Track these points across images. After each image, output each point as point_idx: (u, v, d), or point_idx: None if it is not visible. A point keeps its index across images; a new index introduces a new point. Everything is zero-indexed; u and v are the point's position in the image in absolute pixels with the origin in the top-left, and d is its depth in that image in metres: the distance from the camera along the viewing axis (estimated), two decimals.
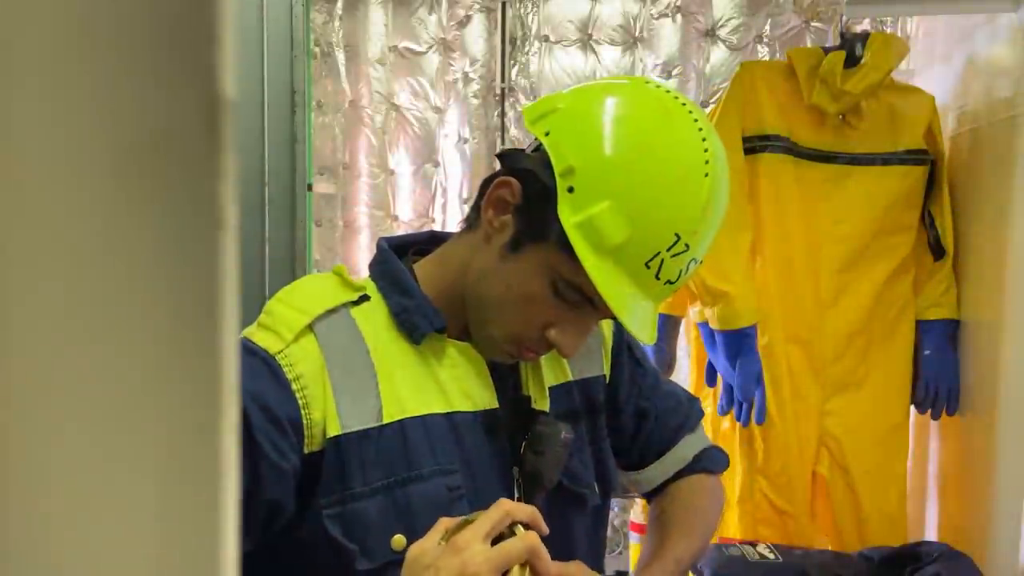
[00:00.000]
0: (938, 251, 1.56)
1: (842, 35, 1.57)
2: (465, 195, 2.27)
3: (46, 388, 0.19)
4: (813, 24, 2.05)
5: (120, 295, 0.19)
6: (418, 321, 0.74)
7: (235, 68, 0.18)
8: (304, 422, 0.68)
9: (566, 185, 0.68)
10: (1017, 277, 1.32)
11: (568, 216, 0.68)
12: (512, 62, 2.24)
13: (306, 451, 0.68)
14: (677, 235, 0.67)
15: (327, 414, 0.69)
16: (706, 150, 0.69)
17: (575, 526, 0.82)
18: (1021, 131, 1.31)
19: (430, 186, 2.09)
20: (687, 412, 0.93)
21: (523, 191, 0.71)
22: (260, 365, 0.68)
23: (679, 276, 0.70)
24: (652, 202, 0.67)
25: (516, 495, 0.76)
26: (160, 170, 0.18)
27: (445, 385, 0.74)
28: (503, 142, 2.25)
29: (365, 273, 0.80)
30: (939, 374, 1.54)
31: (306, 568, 0.71)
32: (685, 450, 0.92)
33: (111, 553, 0.20)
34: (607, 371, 0.88)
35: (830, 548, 1.54)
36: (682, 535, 0.86)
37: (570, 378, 0.84)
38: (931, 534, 1.61)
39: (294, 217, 1.91)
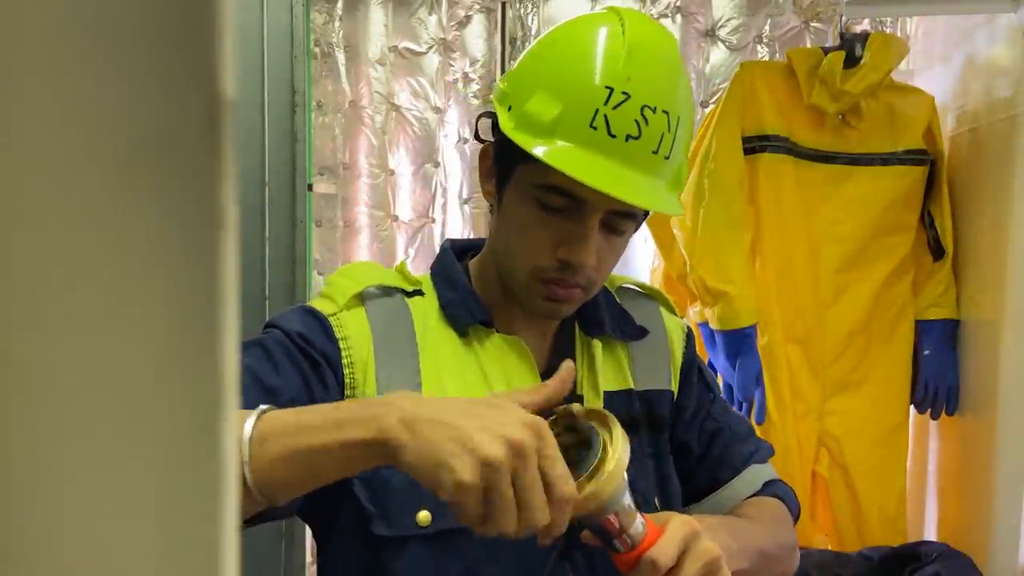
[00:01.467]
0: (938, 251, 1.56)
1: (842, 35, 1.57)
2: (465, 195, 2.27)
3: (46, 388, 0.19)
4: (813, 24, 2.05)
5: (120, 295, 0.19)
6: (462, 312, 0.76)
7: (235, 68, 0.18)
8: (346, 375, 0.71)
9: (505, 107, 0.73)
10: (1017, 277, 1.32)
11: (508, 124, 0.71)
12: (512, 62, 2.24)
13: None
14: (609, 88, 0.67)
15: (367, 378, 0.71)
16: (620, 17, 0.70)
17: None
18: (1021, 131, 1.31)
19: (430, 186, 2.09)
20: (757, 444, 0.89)
21: (493, 149, 0.76)
22: (313, 320, 0.72)
23: (639, 128, 0.67)
24: (569, 68, 0.69)
25: None
26: (160, 170, 0.18)
27: (490, 376, 0.74)
28: None
29: None
30: (939, 374, 1.54)
31: (331, 531, 0.72)
32: (754, 476, 0.86)
33: (111, 553, 0.20)
34: (675, 388, 0.85)
35: (830, 548, 1.54)
36: (744, 525, 0.78)
37: (631, 387, 0.81)
38: (931, 534, 1.61)
39: (294, 217, 1.91)
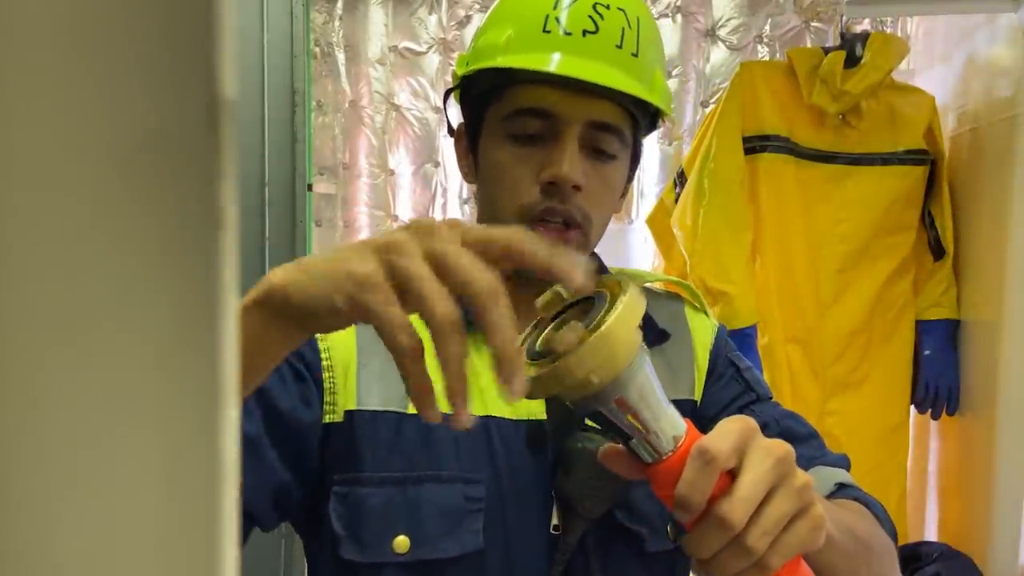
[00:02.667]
0: (938, 251, 1.56)
1: (842, 35, 1.57)
2: (465, 195, 2.27)
3: (45, 388, 0.19)
4: (813, 24, 2.05)
5: (120, 295, 0.19)
6: None
7: (235, 68, 0.18)
8: (325, 382, 0.65)
9: (462, 65, 0.71)
10: (1017, 277, 1.32)
11: (462, 69, 0.70)
12: None
13: (325, 419, 0.65)
14: None
15: (347, 386, 0.65)
16: None
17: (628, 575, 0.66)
18: (1021, 131, 1.31)
19: (430, 186, 2.09)
20: (822, 448, 0.76)
21: (463, 125, 0.74)
22: None
23: (595, 23, 0.65)
24: None
25: (555, 523, 0.64)
26: (160, 170, 0.18)
27: (486, 389, 0.67)
28: None
29: None
30: (939, 374, 1.54)
31: (312, 553, 0.67)
32: (824, 477, 0.71)
33: (110, 553, 0.20)
34: (698, 396, 0.74)
35: None
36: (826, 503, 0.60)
37: None
38: (931, 534, 1.61)
39: (294, 217, 1.91)
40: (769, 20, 2.08)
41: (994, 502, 1.35)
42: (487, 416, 0.66)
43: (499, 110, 0.68)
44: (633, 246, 2.20)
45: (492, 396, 0.66)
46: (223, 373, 0.19)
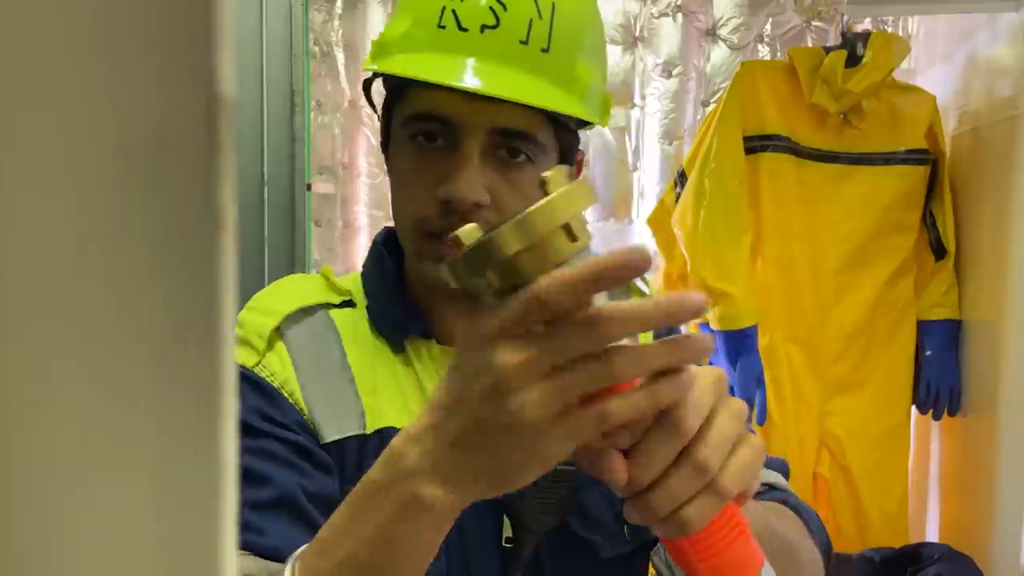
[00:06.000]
0: (939, 251, 1.56)
1: (843, 34, 1.57)
2: None
3: (45, 388, 0.19)
4: (814, 23, 2.05)
5: (119, 295, 0.19)
6: (393, 324, 0.65)
7: (234, 68, 0.18)
8: (308, 421, 0.61)
9: (370, 57, 0.65)
10: (1018, 277, 1.32)
11: (367, 64, 0.64)
12: None
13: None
14: None
15: (309, 423, 0.61)
16: None
17: None
18: (1022, 131, 1.31)
19: None
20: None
21: (381, 114, 0.68)
22: (243, 384, 0.60)
23: (495, 16, 0.58)
24: None
25: (507, 536, 0.62)
26: (160, 170, 0.18)
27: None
28: None
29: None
30: (940, 374, 1.54)
31: None
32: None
33: (110, 553, 0.20)
34: None
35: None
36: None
37: None
38: (932, 535, 1.60)
39: (294, 217, 1.91)
40: (770, 19, 2.08)
41: (996, 503, 1.35)
42: None
43: (401, 113, 0.62)
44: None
45: None
46: (222, 373, 0.19)
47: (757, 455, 0.41)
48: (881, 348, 1.57)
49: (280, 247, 1.90)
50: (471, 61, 0.58)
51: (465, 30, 0.58)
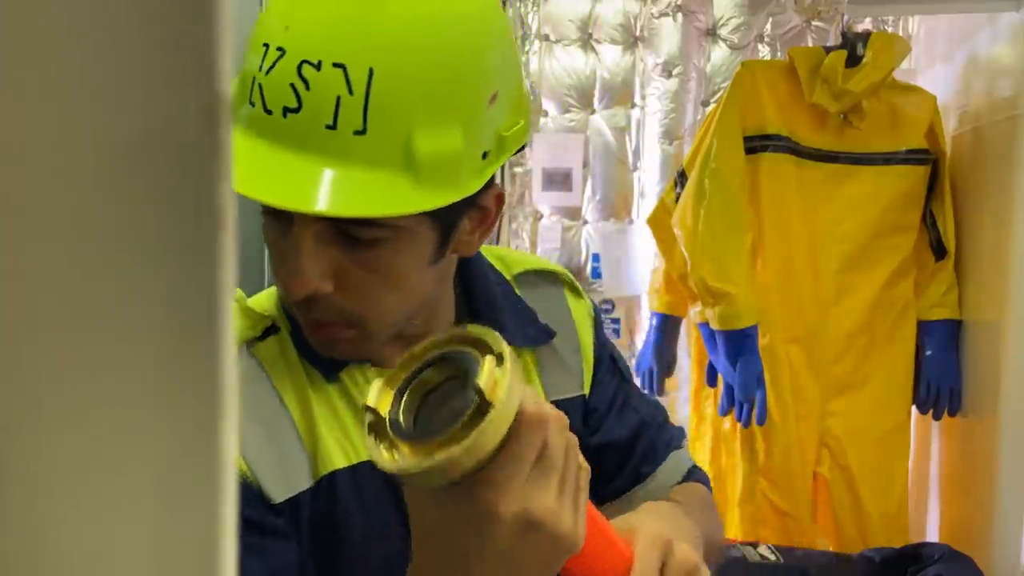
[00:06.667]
0: (940, 251, 1.56)
1: (843, 34, 1.57)
2: None
3: (45, 388, 0.19)
4: (814, 23, 2.05)
5: (119, 295, 0.19)
6: (325, 360, 0.59)
7: (235, 68, 0.18)
8: (251, 483, 0.56)
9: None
10: (1019, 277, 1.32)
11: None
12: None
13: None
14: (265, 44, 0.50)
15: (255, 487, 0.56)
16: None
17: None
18: (1022, 131, 1.31)
19: None
20: (672, 429, 0.78)
21: None
22: None
23: (297, 98, 0.49)
24: (257, 24, 0.53)
25: None
26: (159, 170, 0.18)
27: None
28: None
29: None
30: (941, 374, 1.53)
31: None
32: (677, 464, 0.76)
33: (110, 553, 0.20)
34: (587, 389, 0.72)
35: (831, 549, 1.54)
36: (683, 516, 0.63)
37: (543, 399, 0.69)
38: (932, 535, 1.60)
39: None
40: (770, 19, 2.08)
41: (996, 503, 1.35)
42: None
43: None
44: (633, 246, 2.20)
45: None
46: (222, 373, 0.19)
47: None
48: (881, 348, 1.57)
49: None
50: (280, 155, 0.50)
51: (269, 112, 0.50)
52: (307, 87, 0.49)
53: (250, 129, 0.51)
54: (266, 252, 2.04)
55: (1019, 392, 1.31)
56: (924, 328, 1.57)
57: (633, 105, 2.18)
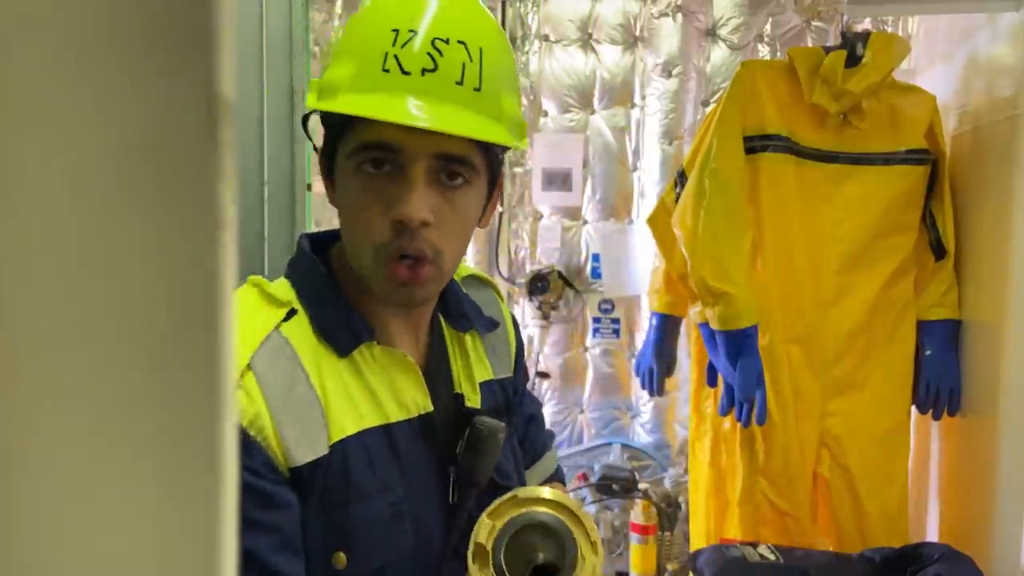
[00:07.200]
0: (939, 251, 1.56)
1: (843, 34, 1.57)
2: None
3: (46, 387, 0.19)
4: (814, 23, 2.05)
5: (120, 294, 0.19)
6: (344, 334, 0.72)
7: (235, 68, 0.18)
8: (272, 459, 0.66)
9: (314, 97, 0.72)
10: (1019, 277, 1.32)
11: (311, 101, 0.72)
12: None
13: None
14: (395, 30, 0.67)
15: (280, 450, 0.66)
16: None
17: None
18: (1022, 131, 1.31)
19: None
20: (549, 431, 1.00)
21: (321, 151, 0.76)
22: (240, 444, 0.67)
23: (433, 61, 0.67)
24: (360, 27, 0.71)
25: (451, 496, 0.76)
26: (160, 170, 0.18)
27: (378, 395, 0.72)
28: None
29: None
30: (940, 375, 1.53)
31: None
32: (551, 461, 0.97)
33: (110, 552, 0.20)
34: (513, 372, 0.90)
35: (831, 549, 1.54)
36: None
37: (493, 376, 0.85)
38: (932, 535, 1.60)
39: (293, 217, 1.90)
40: (770, 19, 2.08)
41: (996, 503, 1.35)
42: (388, 424, 0.72)
43: (347, 144, 0.70)
44: (633, 246, 2.20)
45: (388, 405, 0.73)
46: (221, 371, 0.19)
47: None
48: (881, 348, 1.57)
49: (280, 247, 1.90)
50: (414, 100, 0.66)
51: (408, 73, 0.66)
52: (441, 55, 0.67)
53: (386, 90, 0.67)
54: (267, 251, 2.02)
55: (1018, 392, 1.31)
56: (924, 328, 1.57)
57: (633, 105, 2.18)
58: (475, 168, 0.71)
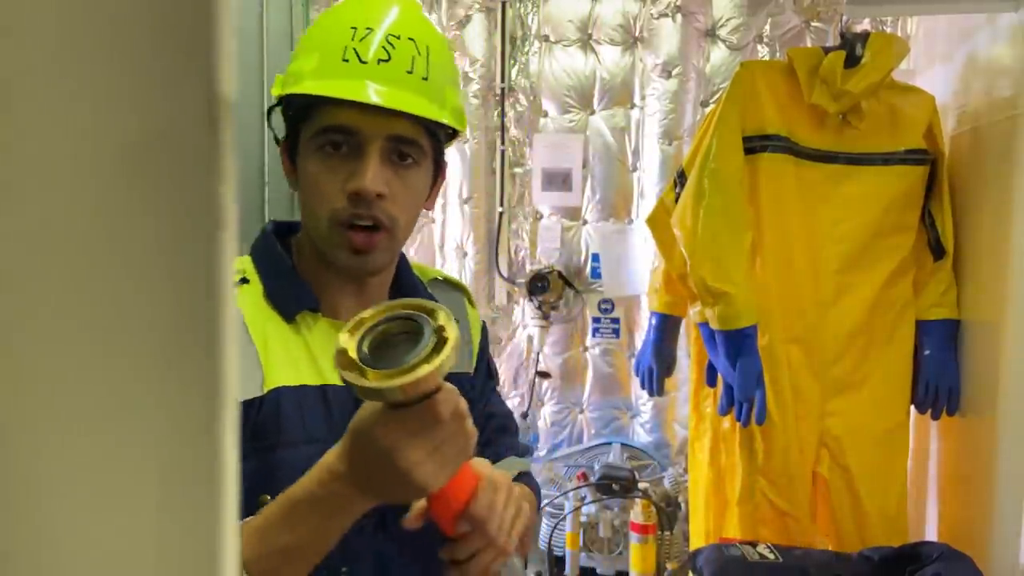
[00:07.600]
0: (938, 251, 1.56)
1: (842, 35, 1.57)
2: (465, 195, 2.26)
3: (46, 387, 0.19)
4: (813, 24, 2.05)
5: (120, 294, 0.19)
6: (288, 299, 0.80)
7: (235, 68, 0.18)
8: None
9: (279, 87, 0.81)
10: (1018, 277, 1.32)
11: (276, 90, 0.81)
12: (512, 62, 2.23)
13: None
14: (354, 28, 0.77)
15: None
16: None
17: None
18: (1022, 131, 1.31)
19: None
20: (520, 445, 1.01)
21: (284, 139, 0.84)
22: None
23: (388, 52, 0.77)
24: (323, 26, 0.82)
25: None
26: (160, 170, 0.18)
27: (319, 360, 0.78)
28: (503, 141, 2.25)
29: None
30: (939, 374, 1.53)
31: None
32: (510, 465, 0.97)
33: (111, 551, 0.20)
34: (472, 370, 0.93)
35: (830, 548, 1.54)
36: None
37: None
38: (931, 534, 1.60)
39: (293, 217, 1.91)
40: (769, 20, 2.08)
41: (995, 502, 1.35)
42: (324, 385, 0.78)
43: (310, 127, 0.78)
44: (633, 246, 2.20)
45: (328, 366, 0.78)
46: (222, 370, 0.19)
47: (530, 520, 0.77)
48: (880, 348, 1.57)
49: None
50: (372, 84, 0.76)
51: (365, 62, 0.76)
52: (394, 48, 0.77)
53: (346, 76, 0.76)
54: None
55: (1017, 392, 1.31)
56: (923, 328, 1.57)
57: (632, 105, 2.18)
58: (423, 150, 0.80)
